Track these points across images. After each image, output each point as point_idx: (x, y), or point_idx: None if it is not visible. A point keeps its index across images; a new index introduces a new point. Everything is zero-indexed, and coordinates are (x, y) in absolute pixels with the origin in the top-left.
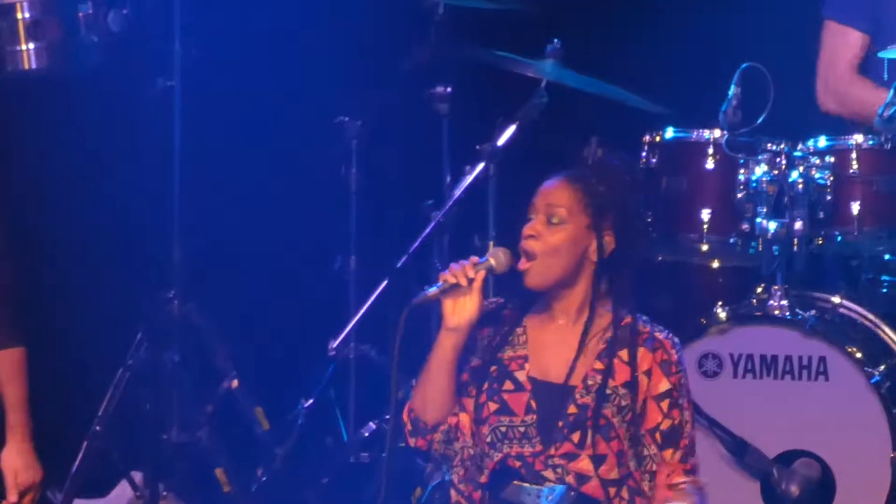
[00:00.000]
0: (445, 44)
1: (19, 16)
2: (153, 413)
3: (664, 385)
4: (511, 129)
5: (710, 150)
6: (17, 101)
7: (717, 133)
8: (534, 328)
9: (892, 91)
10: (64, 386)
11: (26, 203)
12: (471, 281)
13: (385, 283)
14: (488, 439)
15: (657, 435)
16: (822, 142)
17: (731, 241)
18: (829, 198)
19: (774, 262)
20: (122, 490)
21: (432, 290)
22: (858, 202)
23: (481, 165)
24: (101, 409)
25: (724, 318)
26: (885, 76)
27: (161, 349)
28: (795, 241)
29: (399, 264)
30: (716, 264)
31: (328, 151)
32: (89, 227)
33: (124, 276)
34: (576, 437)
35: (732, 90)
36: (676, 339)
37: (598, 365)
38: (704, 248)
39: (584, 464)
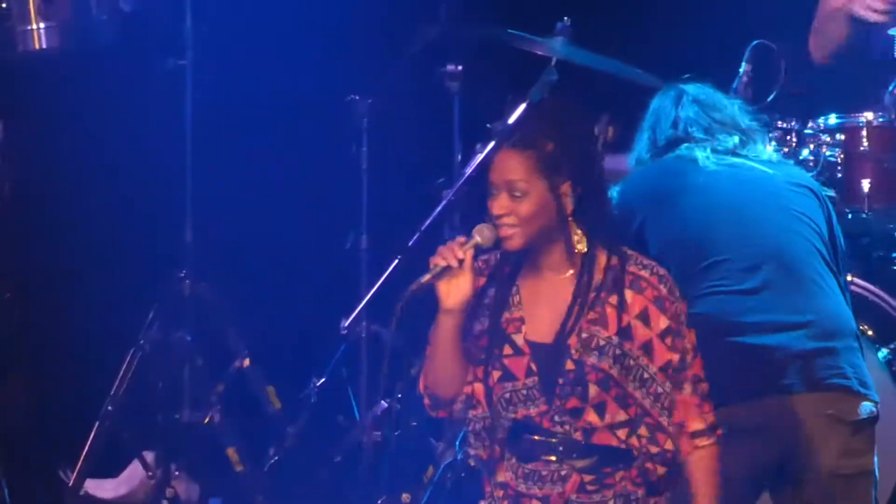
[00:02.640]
0: (456, 22)
1: None
2: (165, 393)
3: (663, 322)
4: (522, 107)
5: None
6: (26, 81)
7: None
8: (526, 287)
9: None
10: (76, 366)
11: (37, 184)
12: (461, 261)
13: (397, 261)
14: (497, 407)
15: (669, 370)
16: (833, 119)
17: None
18: (839, 175)
19: None
20: (135, 469)
21: (426, 276)
22: (869, 180)
23: (492, 143)
24: (113, 388)
25: None
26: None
27: (173, 329)
28: None
29: (410, 242)
30: None
31: (339, 130)
32: (101, 207)
33: (136, 256)
34: (578, 392)
35: (743, 67)
36: (662, 272)
37: (592, 315)
38: None
39: (590, 416)
